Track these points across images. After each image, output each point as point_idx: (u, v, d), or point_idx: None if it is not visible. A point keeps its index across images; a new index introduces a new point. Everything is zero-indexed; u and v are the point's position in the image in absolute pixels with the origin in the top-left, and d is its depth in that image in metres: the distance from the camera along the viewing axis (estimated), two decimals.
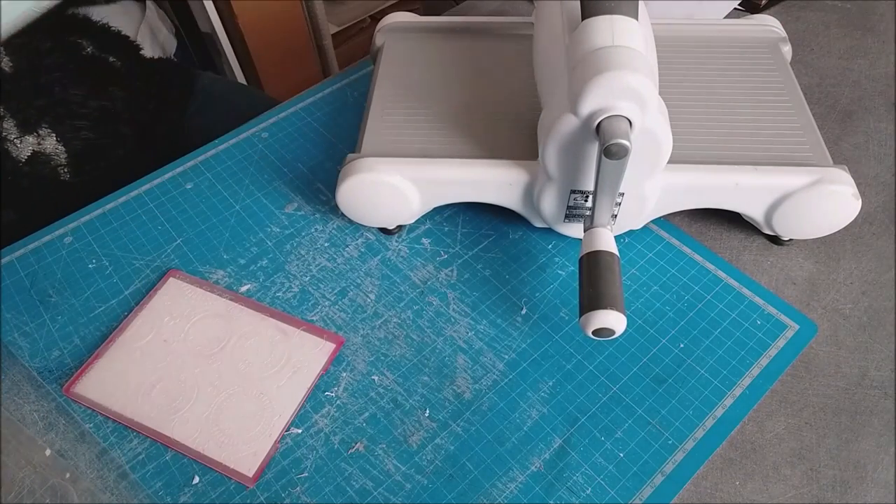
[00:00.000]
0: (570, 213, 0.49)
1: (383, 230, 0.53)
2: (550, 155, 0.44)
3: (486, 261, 0.51)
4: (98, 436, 0.43)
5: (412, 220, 0.52)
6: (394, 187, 0.48)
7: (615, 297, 0.41)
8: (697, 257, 0.51)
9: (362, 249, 0.52)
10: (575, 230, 0.51)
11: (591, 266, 0.43)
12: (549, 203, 0.48)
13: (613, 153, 0.39)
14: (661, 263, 0.51)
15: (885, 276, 0.51)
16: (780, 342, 0.47)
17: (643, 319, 0.48)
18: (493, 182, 0.48)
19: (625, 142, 0.38)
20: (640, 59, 0.39)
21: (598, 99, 0.39)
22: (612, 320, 0.40)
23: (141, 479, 0.41)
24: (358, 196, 0.49)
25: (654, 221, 0.53)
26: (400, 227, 0.53)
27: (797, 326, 0.48)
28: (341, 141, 0.60)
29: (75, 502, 0.41)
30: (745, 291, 0.49)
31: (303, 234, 0.53)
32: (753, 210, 0.49)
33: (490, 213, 0.54)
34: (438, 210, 0.54)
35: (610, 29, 0.40)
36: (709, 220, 0.54)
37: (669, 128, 0.42)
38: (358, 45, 1.44)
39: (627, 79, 0.38)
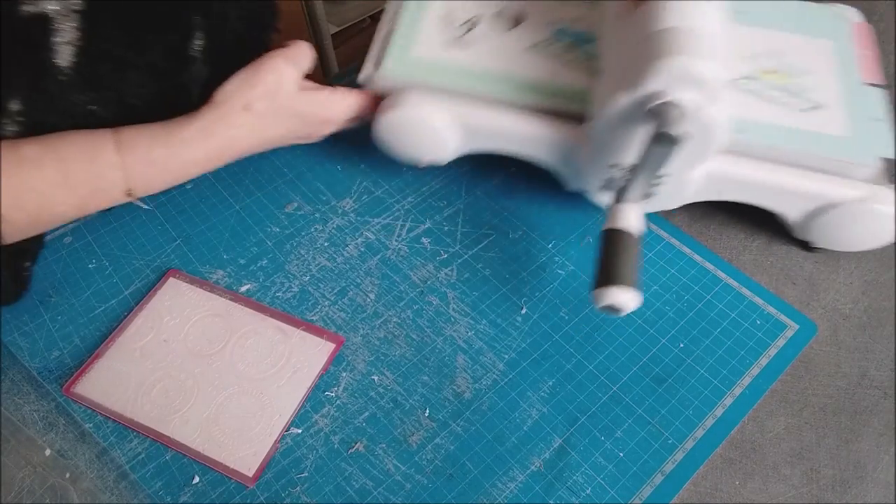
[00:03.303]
0: (608, 184, 0.47)
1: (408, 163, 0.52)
2: (600, 125, 0.43)
3: (485, 260, 0.51)
4: (98, 436, 0.43)
5: (443, 162, 0.52)
6: (439, 128, 0.46)
7: (630, 275, 0.40)
8: (697, 257, 0.51)
9: (362, 249, 0.52)
10: (609, 200, 0.49)
11: (613, 241, 0.42)
12: (589, 170, 0.46)
13: (665, 140, 0.38)
14: (660, 263, 0.51)
15: (885, 276, 0.51)
16: (780, 342, 0.47)
17: (643, 319, 0.48)
18: (544, 140, 0.46)
19: (679, 131, 0.37)
20: (709, 44, 0.37)
21: (660, 82, 0.37)
22: (625, 298, 0.40)
23: (141, 479, 0.41)
24: (398, 131, 0.48)
25: (654, 221, 0.53)
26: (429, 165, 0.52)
27: (797, 326, 0.48)
28: (342, 140, 0.59)
29: (75, 502, 0.41)
30: (745, 291, 0.49)
31: (303, 233, 0.53)
32: (791, 213, 0.48)
33: (490, 213, 0.54)
34: (438, 210, 0.54)
35: (680, 7, 0.38)
36: (709, 220, 0.54)
37: (726, 119, 0.41)
38: (358, 45, 1.43)
39: (693, 66, 0.36)
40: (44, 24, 0.41)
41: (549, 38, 0.49)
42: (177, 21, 0.48)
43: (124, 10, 0.45)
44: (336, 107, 0.50)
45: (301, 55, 0.49)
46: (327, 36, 1.27)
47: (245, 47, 0.56)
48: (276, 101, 0.47)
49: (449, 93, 0.47)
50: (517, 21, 0.50)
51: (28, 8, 0.40)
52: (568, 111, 0.47)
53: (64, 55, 0.43)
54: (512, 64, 0.48)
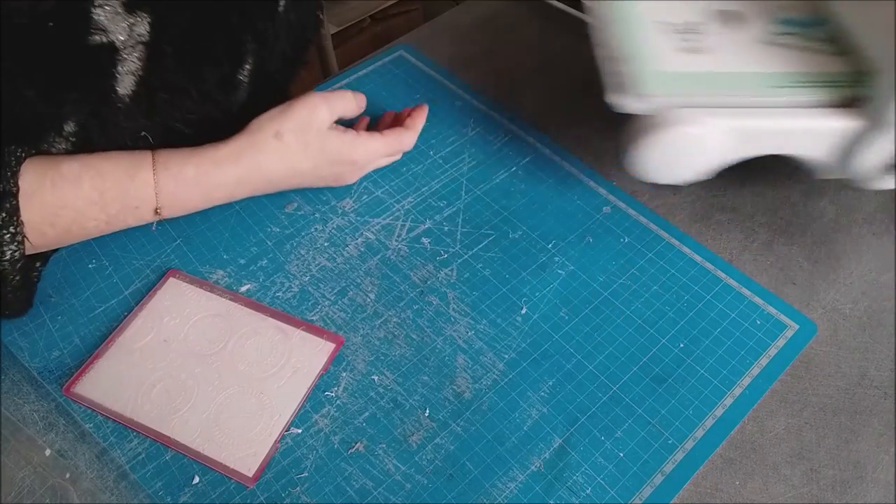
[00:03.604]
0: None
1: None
2: None
3: (485, 260, 0.51)
4: (98, 436, 0.43)
5: (702, 178, 0.49)
6: (713, 140, 0.45)
7: None
8: (697, 257, 0.51)
9: (362, 249, 0.52)
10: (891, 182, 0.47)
11: None
12: (874, 153, 0.44)
13: None
14: (660, 263, 0.51)
15: (885, 276, 0.51)
16: (780, 342, 0.47)
17: (643, 319, 0.48)
18: (824, 132, 0.44)
19: None
20: None
21: None
22: None
23: (141, 479, 0.41)
24: (667, 151, 0.46)
25: (654, 221, 0.53)
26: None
27: (797, 326, 0.48)
28: None
29: (75, 502, 0.41)
30: (745, 291, 0.49)
31: (303, 233, 0.53)
32: None
33: (490, 213, 0.54)
34: (438, 210, 0.54)
35: None
36: (709, 220, 0.54)
37: None
38: (358, 45, 1.43)
39: None
40: (111, 53, 0.42)
41: (777, 29, 0.48)
42: (233, 51, 0.49)
43: (186, 42, 0.46)
44: (361, 148, 0.51)
45: (339, 100, 0.50)
46: (327, 36, 1.27)
47: (287, 65, 0.57)
48: (306, 135, 0.48)
49: (713, 102, 0.45)
50: (735, 18, 0.49)
51: (98, 38, 0.41)
52: (836, 99, 0.45)
53: (125, 84, 0.44)
54: (759, 62, 0.47)
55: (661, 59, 0.47)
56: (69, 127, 0.44)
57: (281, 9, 0.51)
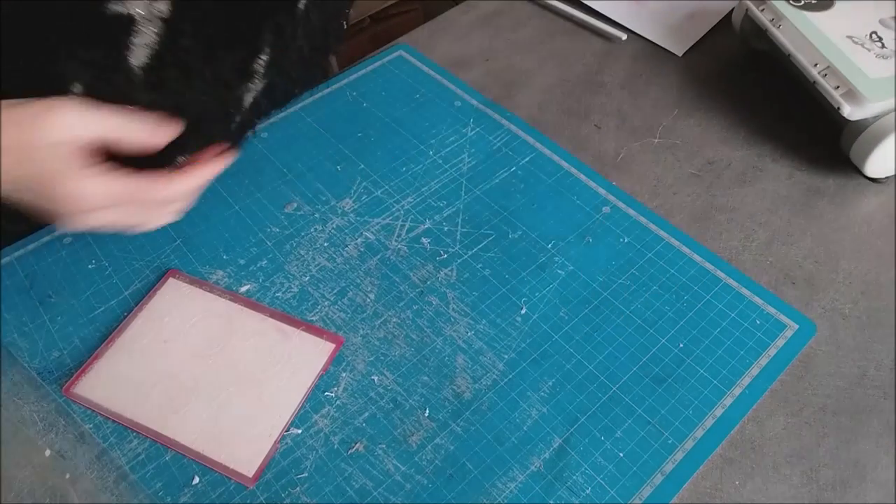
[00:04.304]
0: None
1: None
2: None
3: (485, 260, 0.51)
4: (98, 436, 0.43)
5: None
6: None
7: None
8: (697, 257, 0.51)
9: (362, 249, 0.52)
10: None
11: None
12: None
13: None
14: (660, 263, 0.51)
15: (885, 275, 0.51)
16: (780, 342, 0.47)
17: (643, 319, 0.48)
18: None
19: None
20: None
21: None
22: None
23: (141, 479, 0.41)
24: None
25: (653, 221, 0.53)
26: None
27: (796, 326, 0.48)
28: (341, 141, 0.59)
29: (75, 503, 0.41)
30: (745, 291, 0.49)
31: (302, 234, 0.53)
32: None
33: (490, 213, 0.54)
34: (438, 210, 0.54)
35: None
36: (709, 220, 0.54)
37: None
38: (358, 45, 1.43)
39: None
40: (128, 24, 0.42)
41: None
42: (252, 39, 0.49)
43: (205, 24, 0.45)
44: (80, 183, 0.39)
45: (107, 119, 0.41)
46: None
47: (304, 67, 0.57)
48: (20, 137, 0.39)
49: None
50: None
51: (116, 7, 0.41)
52: None
53: (138, 56, 0.44)
54: None
55: (870, 68, 0.54)
56: (76, 88, 0.43)
57: (301, 6, 0.51)
